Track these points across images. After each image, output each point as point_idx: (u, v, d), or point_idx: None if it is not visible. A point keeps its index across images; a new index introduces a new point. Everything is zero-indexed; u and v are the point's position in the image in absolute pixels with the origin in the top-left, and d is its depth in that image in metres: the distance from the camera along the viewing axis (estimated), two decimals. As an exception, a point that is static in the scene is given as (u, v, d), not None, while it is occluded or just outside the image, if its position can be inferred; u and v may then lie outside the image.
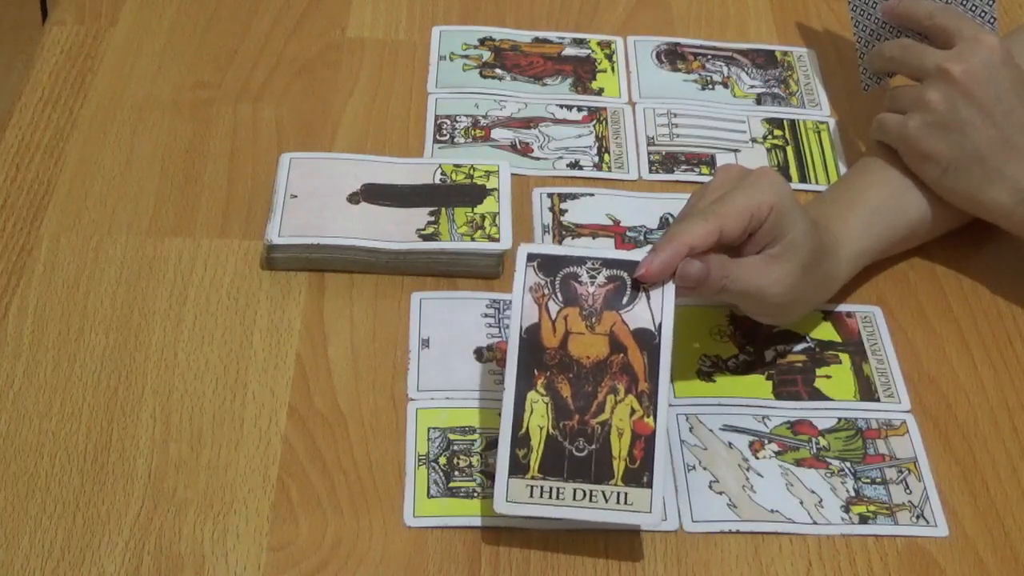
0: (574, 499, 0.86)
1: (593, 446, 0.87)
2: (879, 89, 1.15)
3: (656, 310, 0.89)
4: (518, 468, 0.86)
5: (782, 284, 0.94)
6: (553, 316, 0.89)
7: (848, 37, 1.30)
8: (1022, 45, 1.11)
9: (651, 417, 0.87)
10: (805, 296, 0.98)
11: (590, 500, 0.86)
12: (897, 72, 1.12)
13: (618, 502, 0.86)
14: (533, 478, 0.86)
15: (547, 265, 0.90)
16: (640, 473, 0.86)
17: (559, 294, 0.90)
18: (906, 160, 1.06)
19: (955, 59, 1.04)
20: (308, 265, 1.05)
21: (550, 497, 0.86)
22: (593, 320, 0.89)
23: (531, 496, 0.86)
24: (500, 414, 0.87)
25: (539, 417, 0.87)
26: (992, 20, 1.10)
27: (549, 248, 0.92)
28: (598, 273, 0.90)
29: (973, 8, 1.10)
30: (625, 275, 0.90)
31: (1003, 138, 1.02)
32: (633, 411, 0.87)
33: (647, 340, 0.89)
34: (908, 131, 1.05)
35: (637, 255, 0.90)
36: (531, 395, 0.87)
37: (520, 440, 0.87)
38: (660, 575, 0.88)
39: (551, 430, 0.87)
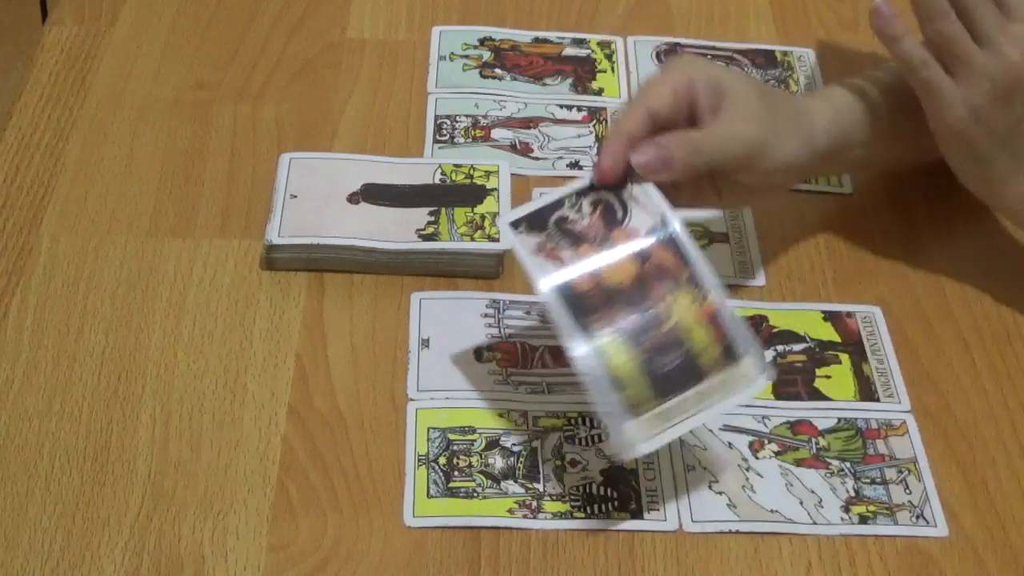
0: (694, 406, 0.86)
1: (680, 351, 0.86)
2: None
3: (652, 210, 0.90)
4: (629, 410, 0.85)
5: (746, 119, 0.94)
6: (571, 261, 0.88)
7: (848, 37, 1.30)
8: None
9: (707, 297, 0.87)
10: (779, 125, 0.96)
11: (707, 398, 0.86)
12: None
13: (731, 383, 0.87)
14: (647, 410, 0.85)
15: (534, 221, 0.90)
16: (731, 349, 0.87)
17: (564, 239, 0.89)
18: (938, 129, 1.00)
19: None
20: (308, 265, 1.05)
21: (672, 416, 0.86)
22: (607, 245, 0.89)
23: (654, 427, 0.85)
24: (584, 380, 0.86)
25: (618, 356, 0.86)
26: None
27: (525, 207, 0.91)
28: (581, 204, 0.90)
29: None
30: (604, 193, 0.90)
31: None
32: (692, 300, 0.87)
33: (661, 237, 0.89)
34: (971, 104, 0.98)
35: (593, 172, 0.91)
36: (598, 343, 0.86)
37: (616, 384, 0.85)
38: (660, 575, 0.88)
39: (637, 359, 0.86)
